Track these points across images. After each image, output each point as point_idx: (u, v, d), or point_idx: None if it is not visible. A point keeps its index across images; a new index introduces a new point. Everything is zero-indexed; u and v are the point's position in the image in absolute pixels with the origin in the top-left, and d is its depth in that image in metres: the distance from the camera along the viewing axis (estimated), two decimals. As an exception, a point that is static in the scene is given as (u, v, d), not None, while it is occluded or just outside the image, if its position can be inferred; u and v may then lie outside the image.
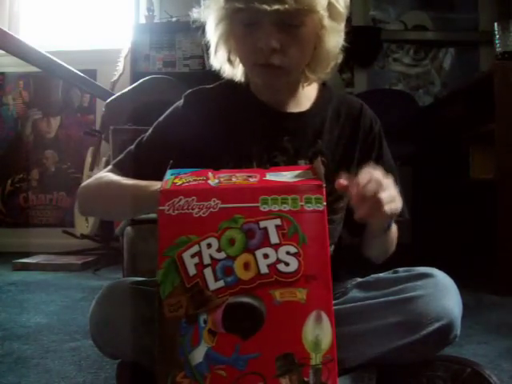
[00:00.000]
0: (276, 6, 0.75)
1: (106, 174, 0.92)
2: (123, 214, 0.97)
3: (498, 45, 2.09)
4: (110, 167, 0.95)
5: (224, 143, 0.88)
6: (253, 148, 0.88)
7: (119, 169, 0.92)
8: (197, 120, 0.91)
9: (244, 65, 0.89)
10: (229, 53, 0.90)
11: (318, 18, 0.80)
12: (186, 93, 0.96)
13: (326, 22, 0.82)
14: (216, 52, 0.90)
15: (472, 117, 2.21)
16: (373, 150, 0.93)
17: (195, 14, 0.88)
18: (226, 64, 0.91)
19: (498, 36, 2.09)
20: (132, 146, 0.96)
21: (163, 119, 0.96)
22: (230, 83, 0.93)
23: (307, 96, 0.93)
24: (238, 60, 0.90)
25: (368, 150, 0.93)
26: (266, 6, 0.76)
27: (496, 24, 2.12)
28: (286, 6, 0.76)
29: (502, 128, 1.94)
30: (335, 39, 0.85)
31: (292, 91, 0.91)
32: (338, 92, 0.98)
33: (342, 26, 0.86)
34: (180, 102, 0.96)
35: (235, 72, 0.92)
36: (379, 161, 0.92)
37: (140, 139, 0.96)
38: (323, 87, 0.96)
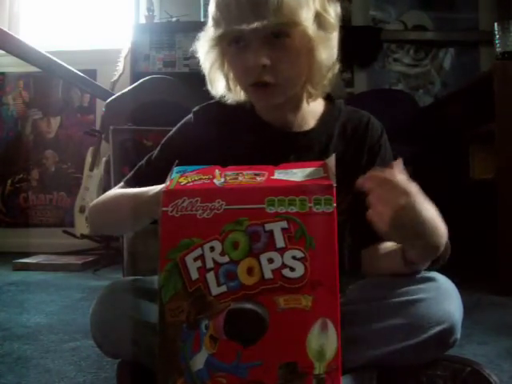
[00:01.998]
0: (255, 24, 0.75)
1: (114, 190, 0.93)
2: (129, 225, 0.96)
3: (498, 45, 2.09)
4: (121, 184, 0.96)
5: (230, 161, 0.88)
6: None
7: (130, 185, 0.93)
8: (206, 138, 0.92)
9: (241, 88, 0.88)
10: (226, 79, 0.90)
11: (303, 30, 0.78)
12: (195, 109, 0.96)
13: (314, 33, 0.80)
14: (212, 82, 0.90)
15: (472, 117, 2.21)
16: (376, 159, 0.93)
17: (194, 46, 0.88)
18: (225, 92, 0.91)
19: (497, 36, 2.09)
20: (142, 162, 0.97)
21: (173, 135, 0.96)
22: (237, 102, 0.93)
23: (313, 114, 0.93)
24: (236, 84, 0.90)
25: (372, 160, 0.93)
26: (245, 26, 0.76)
27: (496, 24, 2.12)
28: (265, 21, 0.75)
29: (502, 128, 1.93)
30: (327, 50, 0.83)
31: (296, 109, 0.91)
32: (347, 108, 0.97)
33: (333, 36, 0.84)
34: (190, 118, 0.96)
35: (237, 97, 0.91)
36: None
37: (150, 155, 0.96)
38: (331, 104, 0.96)
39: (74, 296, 1.92)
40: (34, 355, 1.22)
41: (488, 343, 1.31)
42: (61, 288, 2.07)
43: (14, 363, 1.17)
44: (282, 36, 0.78)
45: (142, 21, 3.04)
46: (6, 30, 2.04)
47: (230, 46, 0.82)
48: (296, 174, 0.64)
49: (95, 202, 0.93)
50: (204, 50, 0.86)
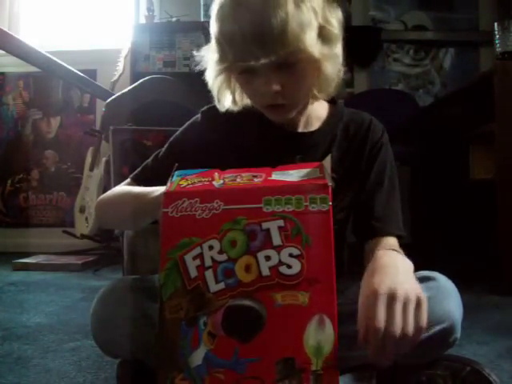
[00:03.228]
0: (262, 60, 0.76)
1: (121, 187, 0.95)
2: (132, 223, 0.98)
3: (497, 45, 2.09)
4: (127, 180, 0.97)
5: (237, 161, 0.89)
6: (266, 166, 0.89)
7: (136, 182, 0.95)
8: (213, 137, 0.94)
9: (256, 107, 0.90)
10: (233, 94, 0.92)
11: (309, 54, 0.79)
12: (203, 108, 0.98)
13: (319, 52, 0.81)
14: (219, 100, 0.92)
15: (472, 117, 2.21)
16: (377, 158, 0.94)
17: (196, 56, 0.90)
18: (231, 105, 0.93)
19: (497, 36, 2.10)
20: (149, 160, 0.98)
21: (180, 134, 0.98)
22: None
23: (318, 115, 0.96)
24: (241, 97, 0.93)
25: (373, 158, 0.94)
26: (253, 62, 0.77)
27: (496, 24, 2.12)
28: (273, 57, 0.76)
29: (502, 128, 1.93)
30: (332, 65, 0.85)
31: (302, 112, 0.93)
32: (348, 109, 0.99)
33: (338, 47, 0.86)
34: (197, 118, 0.98)
35: (242, 105, 0.94)
36: (381, 172, 0.93)
37: (157, 153, 0.98)
38: (334, 106, 0.98)
39: (74, 296, 1.92)
40: (34, 355, 1.22)
41: (488, 343, 1.31)
42: (61, 288, 2.07)
43: (14, 363, 1.17)
44: (289, 62, 0.79)
45: (142, 21, 3.04)
46: (5, 29, 2.04)
47: (239, 72, 0.83)
48: (292, 175, 0.66)
49: (102, 197, 0.95)
50: (212, 75, 0.88)
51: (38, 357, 1.21)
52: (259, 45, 0.75)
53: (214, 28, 0.82)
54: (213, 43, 0.85)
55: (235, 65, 0.81)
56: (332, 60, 0.84)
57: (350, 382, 0.79)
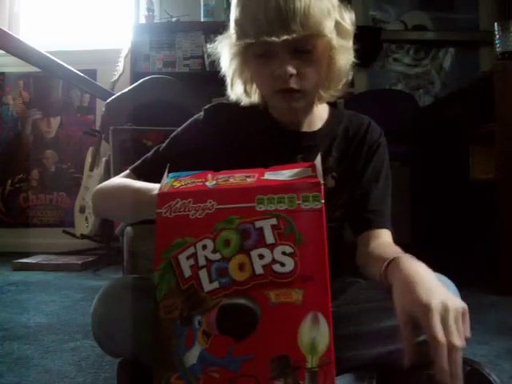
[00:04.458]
0: (284, 37, 0.79)
1: (120, 178, 0.95)
2: (129, 217, 0.98)
3: (497, 45, 2.09)
4: (127, 172, 0.97)
5: (238, 159, 0.90)
6: (267, 165, 0.89)
7: (136, 174, 0.95)
8: (215, 135, 0.94)
9: (263, 93, 0.92)
10: (244, 85, 0.94)
11: (327, 41, 0.84)
12: (206, 106, 0.99)
13: (335, 42, 0.85)
14: (232, 86, 0.94)
15: (472, 117, 2.21)
16: (373, 157, 0.96)
17: (209, 48, 0.92)
18: (242, 95, 0.94)
19: (498, 36, 2.10)
20: (149, 154, 0.98)
21: (182, 131, 0.99)
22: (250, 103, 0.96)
23: (320, 116, 0.97)
24: (253, 89, 0.94)
25: (369, 157, 0.96)
26: (274, 38, 0.79)
27: (496, 24, 2.12)
28: (294, 35, 0.79)
29: (502, 128, 1.94)
30: (345, 57, 0.88)
31: (307, 112, 0.94)
32: (348, 112, 1.01)
33: (350, 43, 0.89)
34: (200, 115, 0.98)
35: (252, 100, 0.95)
36: (378, 170, 0.95)
37: (157, 148, 0.98)
38: (334, 109, 1.00)
39: (74, 296, 1.92)
40: (34, 355, 1.22)
41: (488, 343, 1.31)
42: (61, 288, 2.07)
43: (14, 363, 1.17)
44: (307, 46, 0.82)
45: (142, 21, 3.05)
46: (6, 29, 2.04)
47: (256, 54, 0.85)
48: (285, 174, 0.66)
49: (100, 186, 0.95)
50: (227, 57, 0.90)
51: (38, 357, 1.21)
52: (282, 24, 0.78)
53: (234, 12, 0.85)
54: (231, 28, 0.87)
55: (256, 43, 0.82)
56: (346, 52, 0.88)
57: (350, 381, 0.79)
